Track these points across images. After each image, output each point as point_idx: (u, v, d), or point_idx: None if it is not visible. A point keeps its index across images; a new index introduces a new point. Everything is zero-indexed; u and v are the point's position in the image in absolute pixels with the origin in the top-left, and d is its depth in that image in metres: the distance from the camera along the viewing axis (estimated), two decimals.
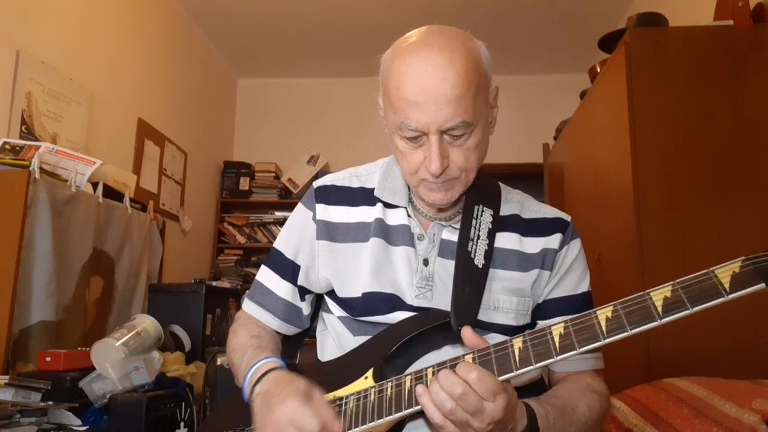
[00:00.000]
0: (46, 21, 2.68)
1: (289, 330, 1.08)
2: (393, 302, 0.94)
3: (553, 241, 0.99)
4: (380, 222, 0.99)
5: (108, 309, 2.38)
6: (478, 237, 0.95)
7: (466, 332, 0.81)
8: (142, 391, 1.73)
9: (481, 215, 0.97)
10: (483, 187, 1.00)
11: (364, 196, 1.03)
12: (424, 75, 0.82)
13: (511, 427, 0.77)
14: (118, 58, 3.29)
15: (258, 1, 3.95)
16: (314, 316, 1.11)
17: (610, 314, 0.73)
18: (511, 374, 0.75)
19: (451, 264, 0.94)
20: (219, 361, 1.62)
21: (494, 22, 4.11)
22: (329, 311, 1.04)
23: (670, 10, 2.41)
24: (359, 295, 0.96)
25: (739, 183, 1.90)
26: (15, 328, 1.85)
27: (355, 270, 0.98)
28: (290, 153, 4.91)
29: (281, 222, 4.76)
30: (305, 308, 1.07)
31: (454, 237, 0.97)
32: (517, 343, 0.77)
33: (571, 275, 0.99)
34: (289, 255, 1.05)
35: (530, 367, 0.74)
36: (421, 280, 0.95)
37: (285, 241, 1.07)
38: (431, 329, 0.90)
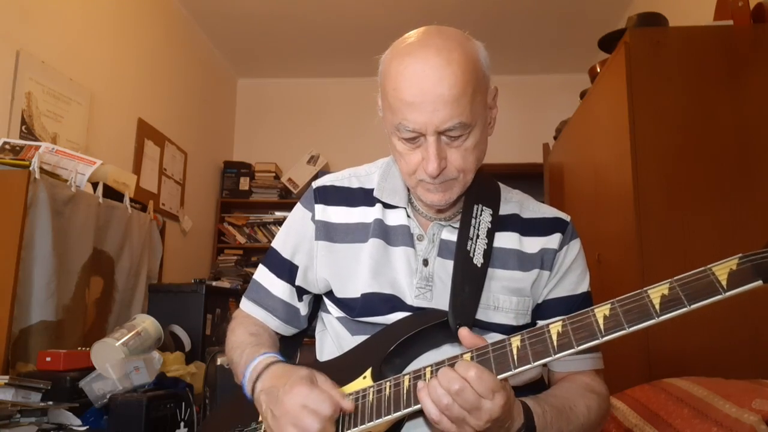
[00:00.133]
0: (46, 21, 2.68)
1: (287, 330, 1.08)
2: (392, 303, 0.94)
3: (553, 241, 0.98)
4: (379, 222, 0.99)
5: (108, 309, 2.38)
6: (478, 236, 0.95)
7: (463, 332, 0.81)
8: (142, 391, 1.73)
9: (481, 215, 0.97)
10: (482, 187, 1.00)
11: (363, 197, 1.03)
12: (421, 76, 0.82)
13: (508, 425, 0.77)
14: (118, 58, 3.29)
15: (258, 1, 3.95)
16: (312, 317, 1.11)
17: (607, 312, 0.73)
18: (509, 373, 0.75)
19: (450, 264, 0.94)
20: (219, 361, 1.62)
21: (494, 22, 4.11)
22: (328, 312, 1.04)
23: (670, 10, 2.41)
24: (358, 295, 0.96)
25: (739, 183, 1.90)
26: (15, 328, 1.85)
27: (354, 271, 0.97)
28: (290, 153, 4.91)
29: (281, 222, 4.74)
30: (302, 309, 1.07)
31: (453, 237, 0.97)
32: (515, 341, 0.77)
33: (571, 275, 0.99)
34: (286, 255, 1.05)
35: (528, 366, 0.74)
36: (420, 280, 0.95)
37: (283, 241, 1.07)
38: (430, 328, 0.90)
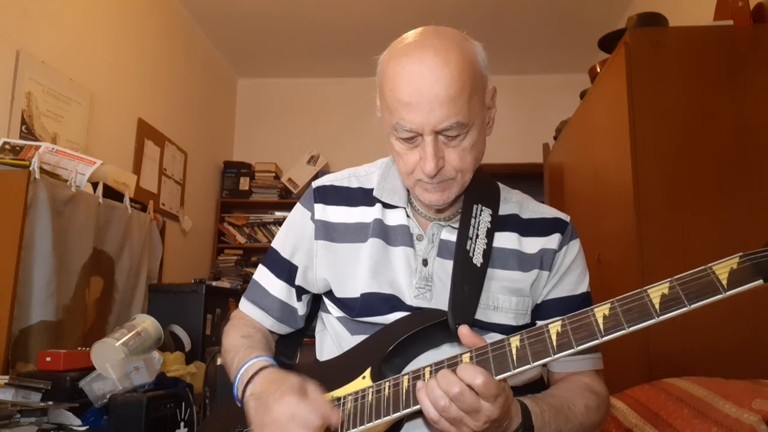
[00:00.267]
0: (46, 21, 2.68)
1: (283, 329, 1.08)
2: (392, 302, 0.94)
3: (552, 241, 0.98)
4: (379, 222, 0.99)
5: (108, 309, 2.38)
6: (477, 236, 0.95)
7: (463, 330, 0.81)
8: (142, 391, 1.73)
9: (480, 215, 0.97)
10: (482, 187, 1.00)
11: (362, 197, 1.03)
12: (418, 76, 0.82)
13: (506, 425, 0.77)
14: (118, 58, 3.29)
15: (258, 1, 3.95)
16: (311, 317, 1.11)
17: (607, 312, 0.72)
18: (509, 373, 0.75)
19: (450, 264, 0.94)
20: (219, 361, 1.62)
21: (494, 22, 4.11)
22: (328, 311, 1.04)
23: (670, 10, 2.41)
24: (357, 295, 0.96)
25: (739, 183, 1.90)
26: (15, 328, 1.85)
27: (353, 270, 0.97)
28: (290, 153, 4.91)
29: (281, 222, 4.73)
30: (300, 309, 1.07)
31: (453, 237, 0.97)
32: (515, 341, 0.77)
33: (570, 275, 0.99)
34: (285, 255, 1.05)
35: (527, 366, 0.74)
36: (420, 280, 0.95)
37: (282, 241, 1.07)
38: (429, 328, 0.89)
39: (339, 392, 0.88)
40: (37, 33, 2.61)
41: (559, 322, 0.75)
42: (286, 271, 1.05)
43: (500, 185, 1.06)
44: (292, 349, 1.14)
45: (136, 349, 1.88)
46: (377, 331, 0.94)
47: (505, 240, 0.98)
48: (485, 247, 0.94)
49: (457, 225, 0.97)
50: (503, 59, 4.57)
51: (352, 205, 1.02)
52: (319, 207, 1.03)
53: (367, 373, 0.87)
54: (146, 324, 1.99)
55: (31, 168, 1.93)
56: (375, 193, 1.01)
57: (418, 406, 0.77)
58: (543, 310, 0.98)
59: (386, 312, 0.94)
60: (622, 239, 2.06)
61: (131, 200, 2.53)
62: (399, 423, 0.83)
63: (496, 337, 0.85)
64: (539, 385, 0.99)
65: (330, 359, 0.99)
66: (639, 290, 0.72)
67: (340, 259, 0.99)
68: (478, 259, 0.93)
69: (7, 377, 1.58)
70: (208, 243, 4.71)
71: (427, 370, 0.80)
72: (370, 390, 0.84)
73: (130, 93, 3.45)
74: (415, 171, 0.89)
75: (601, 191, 2.37)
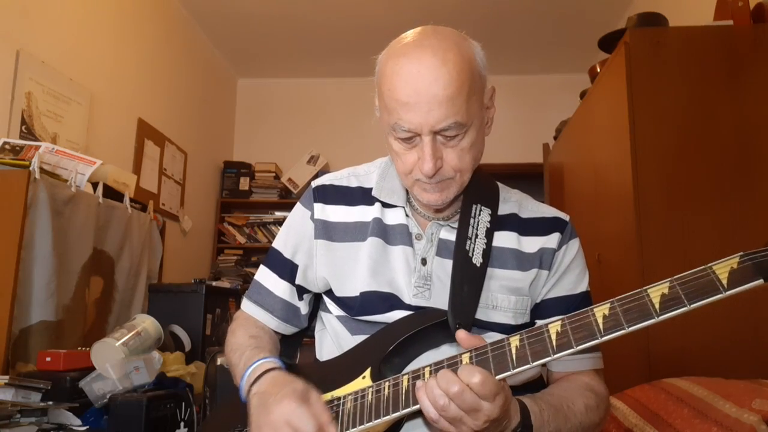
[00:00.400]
0: (46, 21, 2.68)
1: (288, 329, 1.08)
2: (391, 301, 0.94)
3: (552, 240, 0.98)
4: (378, 222, 0.99)
5: (108, 309, 2.38)
6: (476, 236, 0.95)
7: (461, 335, 0.81)
8: (142, 391, 1.73)
9: (479, 214, 0.97)
10: (481, 187, 1.00)
11: (362, 196, 1.03)
12: (416, 76, 0.83)
13: (505, 424, 0.77)
14: (118, 58, 3.29)
15: (258, 1, 3.95)
16: (313, 316, 1.11)
17: (607, 312, 0.72)
18: (508, 373, 0.75)
19: (449, 263, 0.94)
20: (219, 361, 1.62)
21: (494, 22, 4.11)
22: (327, 311, 1.04)
23: (670, 10, 2.41)
24: (357, 294, 0.96)
25: (739, 183, 1.90)
26: (15, 328, 1.85)
27: (352, 269, 0.98)
28: (290, 153, 4.91)
29: (281, 222, 4.73)
30: (303, 308, 1.07)
31: (452, 236, 0.97)
32: (514, 341, 0.77)
33: (570, 275, 0.99)
34: (287, 254, 1.06)
35: (527, 366, 0.74)
36: (419, 279, 0.95)
37: (283, 241, 1.07)
38: (429, 328, 0.89)
39: (339, 392, 0.88)
40: (37, 33, 2.61)
41: (559, 322, 0.75)
42: (288, 271, 1.05)
43: (499, 185, 1.06)
44: (292, 348, 1.14)
45: (136, 349, 1.88)
46: (377, 331, 0.94)
47: (505, 239, 0.98)
48: (484, 246, 0.94)
49: (456, 224, 0.97)
50: (503, 59, 4.57)
51: (351, 204, 1.02)
52: (318, 206, 1.03)
53: (367, 373, 0.87)
54: (146, 324, 1.99)
55: (31, 168, 1.93)
56: (374, 193, 1.01)
57: (417, 406, 0.77)
58: (542, 309, 0.98)
59: (385, 311, 0.94)
60: (622, 239, 2.06)
61: (131, 200, 2.53)
62: (399, 423, 0.83)
63: (495, 336, 0.85)
64: (539, 384, 0.99)
65: (330, 359, 0.99)
66: (639, 290, 0.72)
67: (340, 258, 0.99)
68: (477, 259, 0.93)
69: (7, 377, 1.58)
70: (208, 243, 4.71)
71: (427, 370, 0.80)
72: (370, 390, 0.84)
73: (130, 93, 3.45)
74: (413, 171, 0.89)
75: (601, 191, 2.37)
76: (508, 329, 0.92)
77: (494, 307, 0.93)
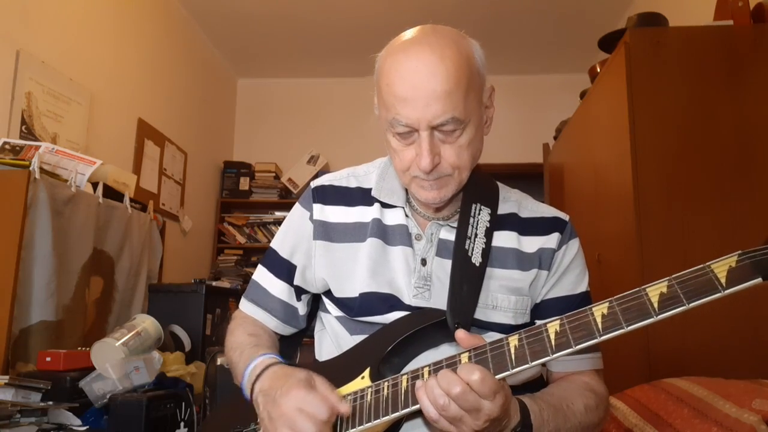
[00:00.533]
0: (46, 21, 2.68)
1: (286, 330, 1.08)
2: (391, 302, 0.94)
3: (551, 240, 0.98)
4: (378, 222, 0.99)
5: (108, 309, 2.38)
6: (476, 235, 0.95)
7: (460, 335, 0.81)
8: (142, 391, 1.73)
9: (479, 214, 0.97)
10: (481, 186, 1.00)
11: (361, 196, 1.03)
12: (414, 71, 0.83)
13: (505, 423, 0.77)
14: (118, 58, 3.29)
15: (258, 1, 3.95)
16: (311, 316, 1.11)
17: (605, 311, 0.72)
18: (507, 373, 0.75)
19: (449, 263, 0.94)
20: (219, 361, 1.62)
21: (494, 22, 4.11)
22: (327, 311, 1.04)
23: (670, 10, 2.41)
24: (356, 295, 0.96)
25: (739, 183, 1.90)
26: (15, 328, 1.85)
27: (352, 270, 0.97)
28: (290, 153, 4.91)
29: (281, 222, 4.72)
30: (301, 308, 1.07)
31: (452, 236, 0.97)
32: (513, 341, 0.77)
33: (570, 275, 0.99)
34: (284, 255, 1.05)
35: (526, 366, 0.74)
36: (419, 279, 0.95)
37: (281, 241, 1.07)
38: (428, 328, 0.89)
39: (338, 392, 0.88)
40: (37, 33, 2.61)
41: (558, 322, 0.75)
42: (285, 271, 1.05)
43: (499, 184, 1.06)
44: (291, 349, 1.14)
45: (136, 349, 1.88)
46: (376, 331, 0.94)
47: (504, 239, 0.98)
48: (484, 246, 0.94)
49: (455, 224, 0.97)
50: (503, 59, 4.57)
51: (350, 204, 1.02)
52: (317, 207, 1.03)
53: (366, 373, 0.87)
54: (146, 324, 1.99)
55: (31, 168, 1.93)
56: (373, 193, 1.01)
57: (417, 406, 0.77)
58: (542, 309, 0.98)
59: (385, 311, 0.94)
60: (622, 239, 2.06)
61: (131, 200, 2.53)
62: (398, 423, 0.83)
63: (495, 336, 0.85)
64: (539, 384, 0.99)
65: (329, 359, 0.99)
66: (637, 289, 0.71)
67: (339, 259, 0.99)
68: (476, 259, 0.93)
69: (7, 377, 1.58)
70: (208, 243, 4.71)
71: (426, 369, 0.80)
72: (369, 390, 0.84)
73: (130, 93, 3.45)
74: (411, 167, 0.89)
75: (601, 191, 2.37)
76: (508, 329, 0.92)
77: (494, 307, 0.93)
